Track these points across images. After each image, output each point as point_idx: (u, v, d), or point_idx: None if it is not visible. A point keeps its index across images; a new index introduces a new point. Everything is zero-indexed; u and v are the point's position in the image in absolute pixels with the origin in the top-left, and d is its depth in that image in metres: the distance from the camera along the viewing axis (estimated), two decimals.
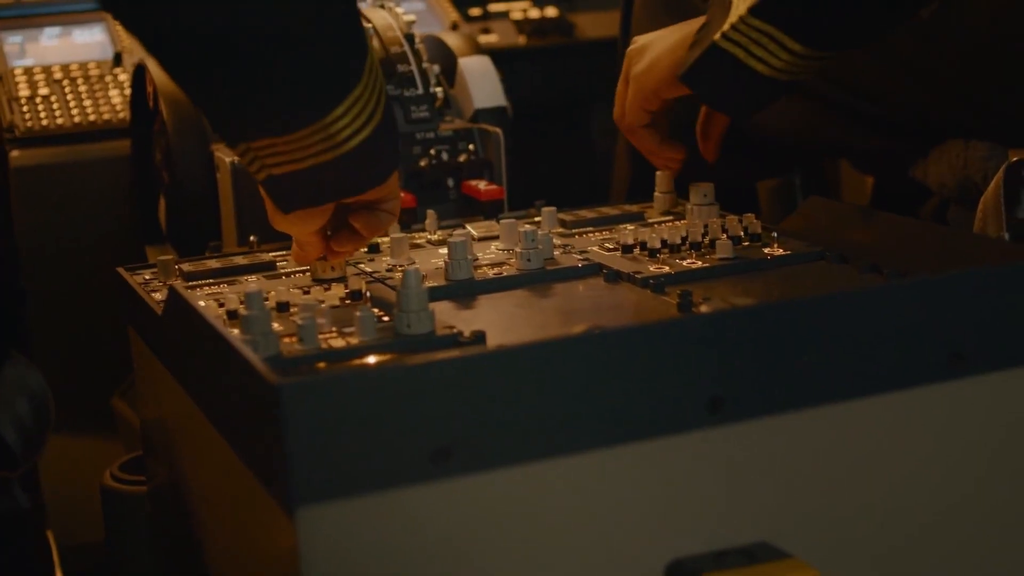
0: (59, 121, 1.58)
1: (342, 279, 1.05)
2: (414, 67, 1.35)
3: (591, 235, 1.16)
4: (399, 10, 1.40)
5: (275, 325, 0.91)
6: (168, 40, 0.86)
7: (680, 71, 1.08)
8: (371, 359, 0.86)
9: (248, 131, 0.91)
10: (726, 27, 1.03)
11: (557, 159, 2.02)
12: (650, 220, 1.21)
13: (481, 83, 1.41)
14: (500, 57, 1.82)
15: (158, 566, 1.19)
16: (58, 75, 1.64)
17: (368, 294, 0.98)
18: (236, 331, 0.87)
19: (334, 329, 0.90)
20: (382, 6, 1.41)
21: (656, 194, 1.24)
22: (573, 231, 1.18)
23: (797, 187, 1.71)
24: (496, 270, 1.04)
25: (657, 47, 1.14)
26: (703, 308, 0.88)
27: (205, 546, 0.98)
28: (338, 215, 1.02)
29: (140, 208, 1.51)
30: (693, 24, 1.11)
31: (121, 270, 1.12)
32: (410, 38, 1.37)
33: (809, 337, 0.80)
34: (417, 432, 0.72)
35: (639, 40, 1.19)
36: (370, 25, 1.36)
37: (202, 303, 0.98)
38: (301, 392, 0.69)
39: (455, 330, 0.88)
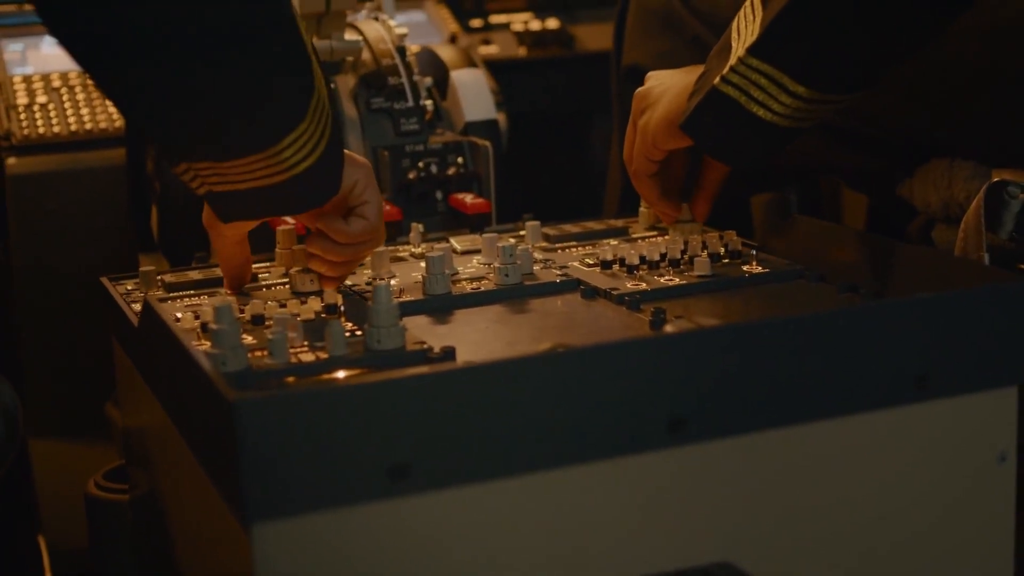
0: (56, 129, 1.59)
1: (321, 292, 1.05)
2: (405, 80, 1.35)
3: (574, 250, 1.17)
4: (392, 23, 1.40)
5: (249, 339, 0.92)
6: (113, 66, 0.87)
7: (680, 120, 1.06)
8: (340, 374, 0.86)
9: (188, 154, 0.93)
10: (725, 70, 1.01)
11: (557, 170, 2.02)
12: (634, 235, 1.21)
13: (472, 96, 1.41)
14: (500, 68, 1.83)
15: (140, 574, 1.20)
16: (56, 83, 1.65)
17: (343, 308, 0.98)
18: (208, 344, 0.88)
19: (306, 343, 0.90)
20: (376, 19, 1.42)
21: (641, 209, 1.24)
22: (556, 246, 1.18)
23: (793, 202, 1.71)
24: (474, 285, 1.05)
25: (661, 95, 1.12)
26: (668, 328, 0.88)
27: (178, 556, 0.98)
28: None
29: (134, 217, 1.52)
30: (697, 71, 1.09)
31: (104, 280, 1.12)
32: (401, 51, 1.37)
33: (773, 358, 0.80)
34: (374, 449, 0.72)
35: (649, 79, 1.16)
36: (361, 37, 1.37)
37: (179, 315, 0.99)
38: (256, 408, 0.70)
39: (425, 346, 0.88)
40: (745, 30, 1.00)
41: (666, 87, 1.12)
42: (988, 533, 0.90)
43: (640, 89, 1.16)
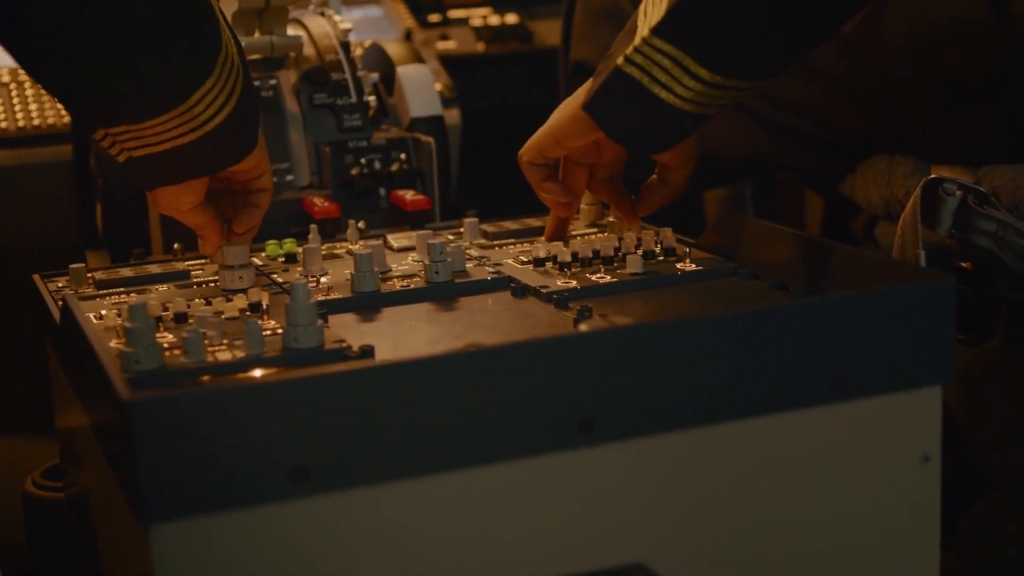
0: (3, 125, 1.58)
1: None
2: (348, 76, 1.34)
3: (511, 247, 1.16)
4: (337, 18, 1.39)
5: (170, 336, 0.91)
6: (22, 31, 0.89)
7: (584, 101, 1.03)
8: (256, 373, 0.85)
9: (103, 119, 0.96)
10: (629, 50, 0.99)
11: (515, 166, 2.00)
12: (573, 232, 1.20)
13: (417, 92, 1.40)
14: (458, 64, 1.82)
15: (76, 572, 1.19)
16: (6, 78, 1.64)
17: (267, 306, 0.97)
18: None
19: (225, 342, 0.89)
20: (322, 14, 1.41)
21: (583, 206, 1.23)
22: (494, 243, 1.17)
23: (748, 199, 1.70)
24: (404, 282, 1.04)
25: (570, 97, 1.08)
26: (581, 327, 0.87)
27: (101, 556, 0.98)
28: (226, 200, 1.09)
29: (81, 213, 1.51)
30: None
31: (36, 277, 1.12)
32: (346, 46, 1.36)
33: (686, 357, 0.79)
34: (273, 450, 0.71)
35: None
36: (303, 33, 1.36)
37: (104, 312, 0.98)
38: (151, 408, 0.69)
39: (344, 344, 0.87)
40: (652, 11, 0.98)
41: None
42: (913, 535, 0.89)
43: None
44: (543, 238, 1.17)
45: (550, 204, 1.15)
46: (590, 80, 1.05)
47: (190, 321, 0.95)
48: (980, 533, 1.17)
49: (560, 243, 1.10)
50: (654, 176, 1.14)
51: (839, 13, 0.97)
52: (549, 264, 1.07)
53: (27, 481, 1.26)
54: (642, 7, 1.00)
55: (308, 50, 1.36)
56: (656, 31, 0.97)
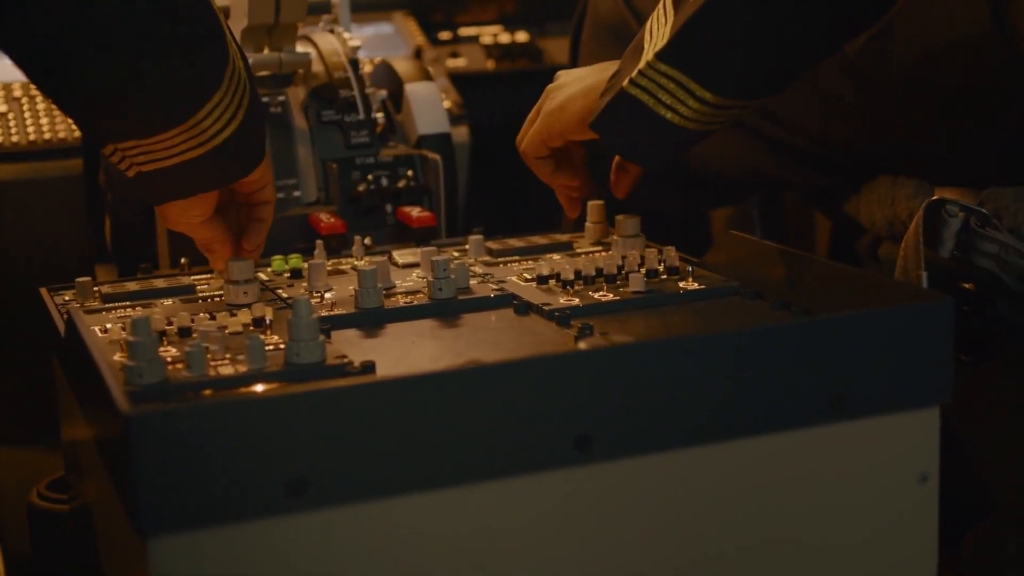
0: (14, 139, 1.59)
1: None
2: (356, 93, 1.35)
3: (515, 264, 1.16)
4: (346, 35, 1.40)
5: (173, 351, 0.92)
6: (31, 48, 0.90)
7: (590, 118, 1.06)
8: (257, 387, 0.86)
9: (113, 135, 0.97)
10: (634, 73, 1.01)
11: (524, 183, 2.01)
12: (578, 250, 1.21)
13: (425, 109, 1.41)
14: (468, 81, 1.83)
15: None
16: (18, 92, 1.65)
17: (270, 321, 0.98)
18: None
19: (228, 356, 0.90)
20: (331, 31, 1.42)
21: (587, 224, 1.24)
22: (498, 260, 1.18)
23: (755, 218, 1.71)
24: (408, 299, 1.04)
25: (572, 88, 1.12)
26: (582, 344, 0.88)
27: (105, 568, 0.98)
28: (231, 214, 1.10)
29: (91, 227, 1.52)
30: (611, 68, 1.09)
31: (43, 291, 1.13)
32: (354, 63, 1.37)
33: (683, 376, 0.80)
34: (272, 465, 0.72)
35: (560, 76, 1.17)
36: (312, 50, 1.37)
37: (109, 326, 0.98)
38: (150, 422, 0.70)
39: (345, 359, 0.88)
40: (657, 33, 1.01)
41: (578, 78, 1.14)
42: (911, 554, 0.89)
43: (551, 84, 1.18)
44: (569, 217, 1.23)
45: (561, 190, 1.20)
46: (598, 77, 1.09)
47: (193, 335, 0.96)
48: (981, 552, 1.17)
49: (563, 261, 1.11)
50: (617, 158, 1.17)
51: (842, 35, 0.99)
52: (552, 282, 1.07)
53: (32, 493, 1.26)
54: (648, 25, 1.02)
55: (317, 67, 1.37)
56: (661, 56, 1.00)
